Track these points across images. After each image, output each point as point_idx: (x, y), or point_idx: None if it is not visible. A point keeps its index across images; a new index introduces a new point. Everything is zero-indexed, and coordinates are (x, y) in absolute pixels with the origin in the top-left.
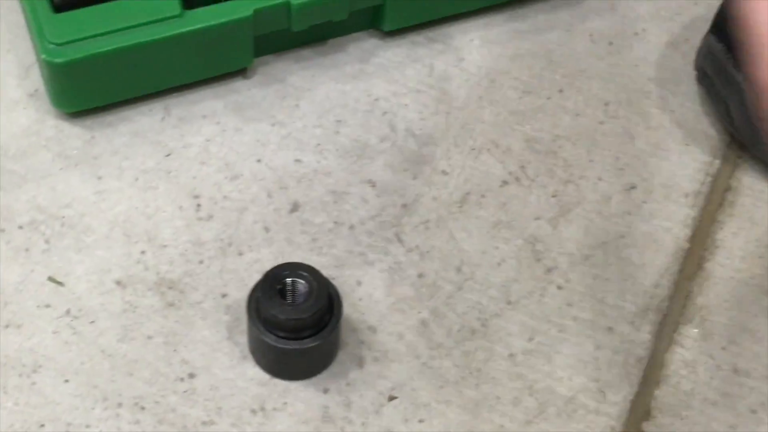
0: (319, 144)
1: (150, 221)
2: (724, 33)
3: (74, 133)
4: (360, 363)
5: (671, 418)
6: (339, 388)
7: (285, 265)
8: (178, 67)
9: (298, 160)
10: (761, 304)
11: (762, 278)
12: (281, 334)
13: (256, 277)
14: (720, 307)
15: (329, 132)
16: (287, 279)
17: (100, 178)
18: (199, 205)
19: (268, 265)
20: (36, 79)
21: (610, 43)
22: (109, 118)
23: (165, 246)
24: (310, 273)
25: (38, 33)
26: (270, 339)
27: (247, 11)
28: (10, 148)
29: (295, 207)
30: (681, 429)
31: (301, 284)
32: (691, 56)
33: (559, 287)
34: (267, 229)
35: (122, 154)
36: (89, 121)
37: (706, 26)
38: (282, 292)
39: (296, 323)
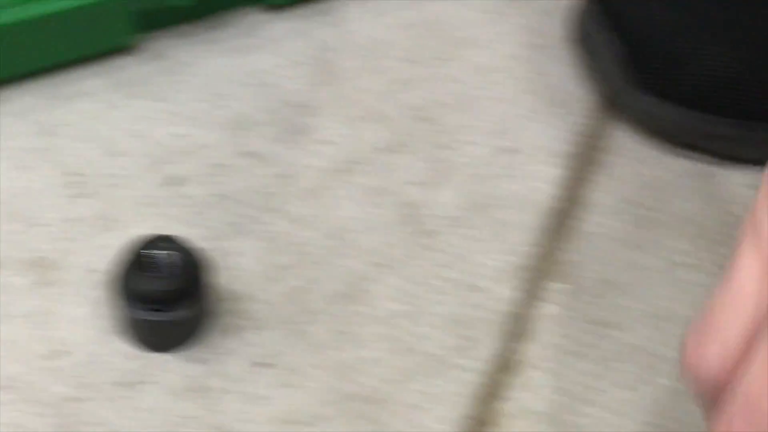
0: (202, 118)
1: (28, 200)
2: None
3: None
4: (233, 332)
5: (534, 371)
6: (211, 358)
7: (149, 237)
8: (57, 46)
9: (180, 135)
10: (627, 259)
11: (629, 233)
12: (147, 306)
13: None
14: (586, 262)
15: (213, 106)
16: (151, 250)
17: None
18: (78, 183)
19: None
20: None
21: (493, 12)
22: None
23: (42, 225)
24: (175, 243)
25: None
26: (136, 312)
27: None
28: None
29: (176, 181)
30: (544, 380)
31: (165, 254)
32: (570, 20)
33: (434, 249)
34: (147, 205)
35: (0, 134)
36: None
37: None
38: (146, 264)
39: (161, 294)
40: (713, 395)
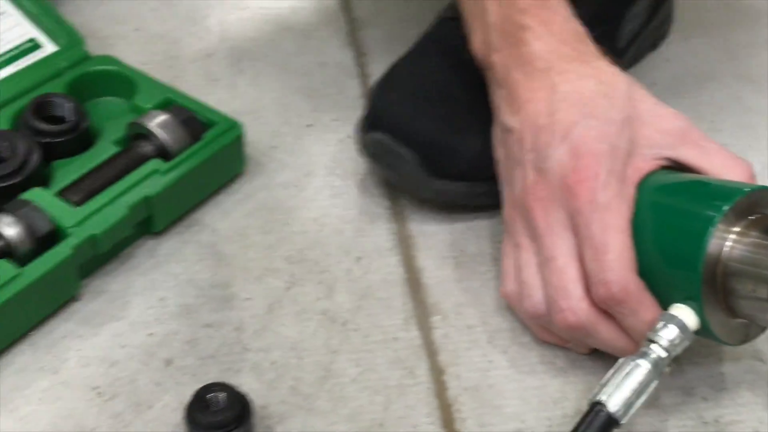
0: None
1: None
2: (384, 125)
3: None
4: None
5: None
6: None
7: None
8: (27, 315)
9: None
10: None
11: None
12: None
13: None
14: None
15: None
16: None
17: (11, 411)
18: (100, 394)
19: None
20: None
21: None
22: None
23: None
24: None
25: None
26: None
27: (68, 250)
28: None
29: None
30: None
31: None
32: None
33: None
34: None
35: (18, 387)
36: None
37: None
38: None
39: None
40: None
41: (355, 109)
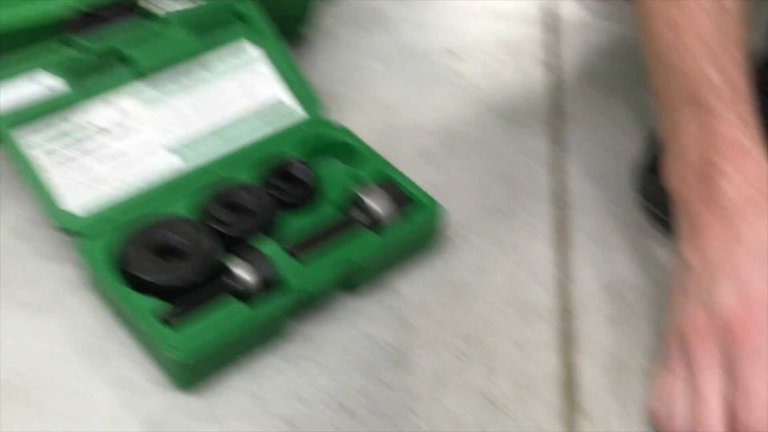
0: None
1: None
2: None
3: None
4: None
5: None
6: None
7: None
8: (247, 345)
9: (335, 380)
10: None
11: None
12: None
13: None
14: None
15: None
16: None
17: (217, 421)
18: (287, 424)
19: None
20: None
21: None
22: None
23: None
24: None
25: (159, 339)
26: None
27: (289, 300)
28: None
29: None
30: None
31: None
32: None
33: None
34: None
35: (225, 403)
36: (201, 389)
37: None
38: None
39: None
40: None
41: (543, 202)
